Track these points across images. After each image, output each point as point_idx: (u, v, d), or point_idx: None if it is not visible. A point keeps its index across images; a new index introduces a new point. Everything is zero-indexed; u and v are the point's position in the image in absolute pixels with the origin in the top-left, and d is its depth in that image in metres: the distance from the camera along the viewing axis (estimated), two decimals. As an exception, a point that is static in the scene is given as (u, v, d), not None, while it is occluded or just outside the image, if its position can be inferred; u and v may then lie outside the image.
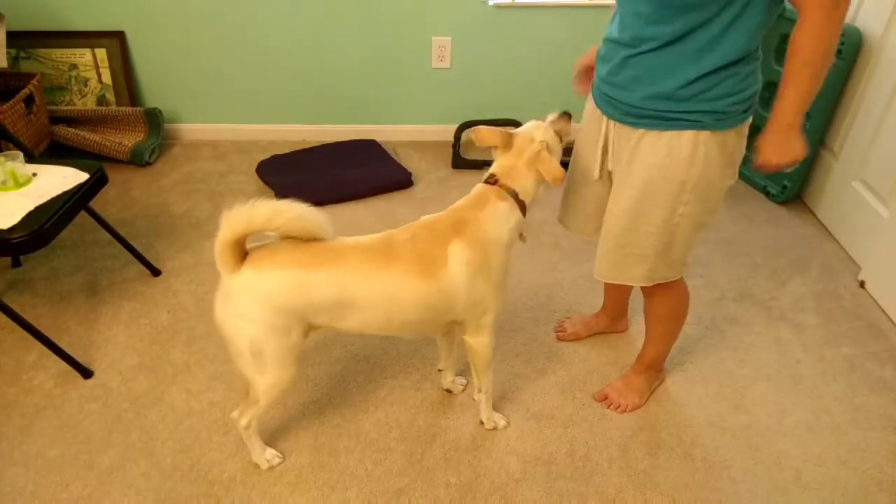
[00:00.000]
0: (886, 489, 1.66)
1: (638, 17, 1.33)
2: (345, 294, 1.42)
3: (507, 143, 1.56)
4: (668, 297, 1.69)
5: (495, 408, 1.83)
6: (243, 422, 1.57)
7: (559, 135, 1.61)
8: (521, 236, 1.61)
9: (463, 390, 1.89)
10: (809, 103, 1.29)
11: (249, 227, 1.35)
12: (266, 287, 1.39)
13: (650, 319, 1.78)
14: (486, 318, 1.57)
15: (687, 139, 1.37)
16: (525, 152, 1.54)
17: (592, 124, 1.57)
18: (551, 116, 1.63)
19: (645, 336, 1.83)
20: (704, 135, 1.36)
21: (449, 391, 1.89)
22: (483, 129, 1.57)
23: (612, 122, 1.49)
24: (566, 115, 1.63)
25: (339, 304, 1.43)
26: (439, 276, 1.46)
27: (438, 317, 1.54)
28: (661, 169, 1.41)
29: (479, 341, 1.61)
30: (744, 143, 1.44)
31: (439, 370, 1.91)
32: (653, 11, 1.29)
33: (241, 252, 1.39)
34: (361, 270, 1.43)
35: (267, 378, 1.46)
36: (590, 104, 1.60)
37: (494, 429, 1.78)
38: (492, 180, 1.56)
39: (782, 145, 1.32)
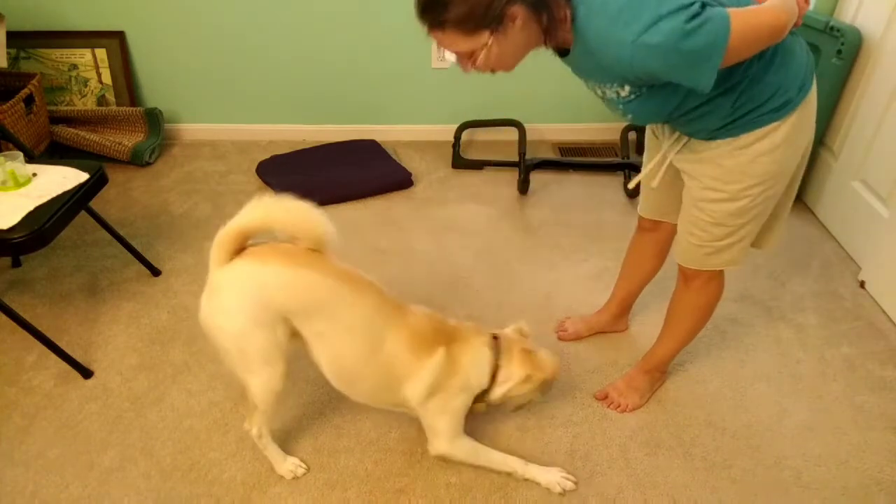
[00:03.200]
0: (886, 489, 1.66)
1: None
2: (333, 307, 1.41)
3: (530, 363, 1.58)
4: (708, 287, 1.66)
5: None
6: (254, 430, 1.57)
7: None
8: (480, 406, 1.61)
9: None
10: None
11: (260, 223, 1.36)
12: (255, 276, 1.38)
13: (679, 310, 1.75)
14: (437, 425, 1.57)
15: (757, 136, 1.36)
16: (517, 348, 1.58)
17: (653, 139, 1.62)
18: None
19: (662, 332, 1.81)
20: (774, 125, 1.35)
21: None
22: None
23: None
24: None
25: (320, 311, 1.41)
26: (421, 360, 1.48)
27: (390, 392, 1.53)
28: (741, 166, 1.40)
29: (434, 447, 1.60)
30: (814, 105, 1.41)
31: None
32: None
33: (240, 248, 1.39)
34: (368, 302, 1.45)
35: (256, 378, 1.45)
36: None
37: (562, 494, 1.63)
38: (496, 338, 1.58)
39: None
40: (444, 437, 1.59)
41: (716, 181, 1.44)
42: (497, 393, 1.57)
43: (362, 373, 1.50)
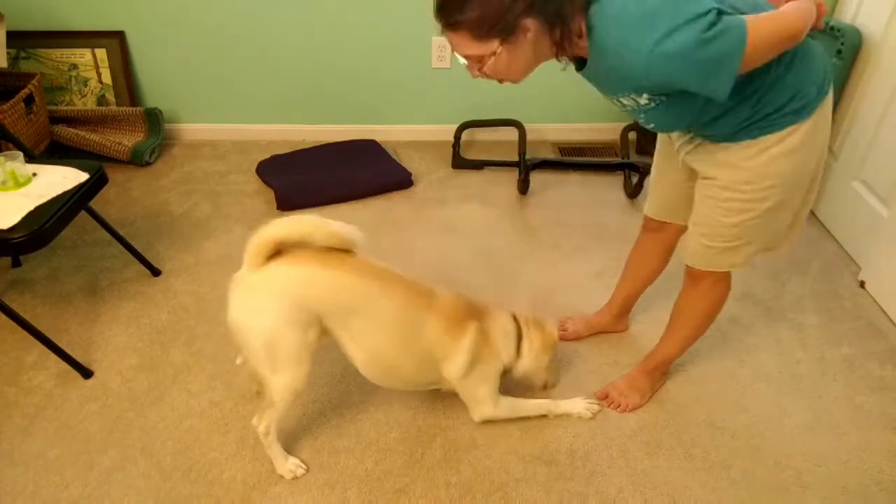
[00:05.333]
0: (886, 489, 1.66)
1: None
2: (366, 306, 1.47)
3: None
4: (715, 288, 1.66)
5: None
6: (262, 427, 1.57)
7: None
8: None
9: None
10: None
11: (291, 237, 1.43)
12: (291, 278, 1.42)
13: (685, 312, 1.74)
14: (478, 395, 1.68)
15: (776, 139, 1.36)
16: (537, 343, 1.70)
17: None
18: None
19: (666, 333, 1.81)
20: (792, 128, 1.35)
21: None
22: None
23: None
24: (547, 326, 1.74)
25: (354, 312, 1.47)
26: (456, 338, 1.57)
27: (428, 374, 1.63)
28: (757, 168, 1.40)
29: (478, 414, 1.72)
30: (830, 107, 1.41)
31: None
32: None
33: (275, 252, 1.43)
34: (399, 295, 1.52)
35: (281, 377, 1.47)
36: None
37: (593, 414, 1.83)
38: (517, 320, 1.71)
39: None
40: (488, 402, 1.70)
41: (731, 181, 1.43)
42: (525, 363, 1.71)
43: (400, 363, 1.59)
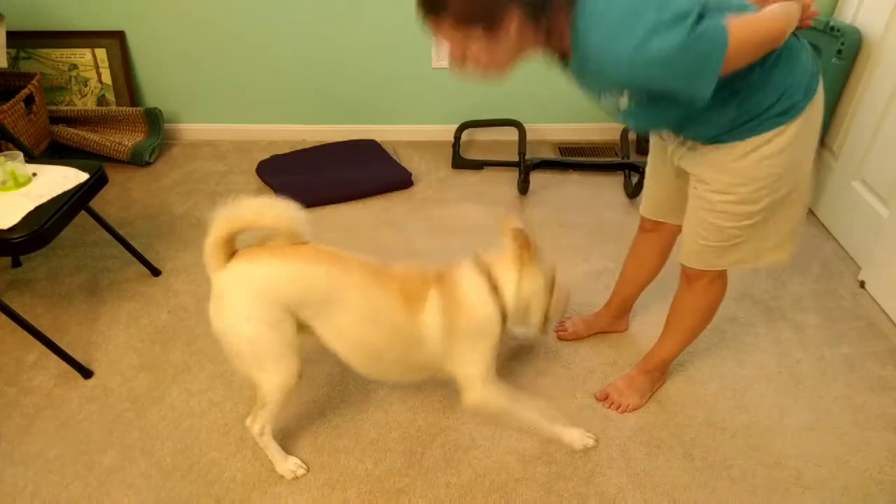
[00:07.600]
0: (886, 489, 1.66)
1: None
2: (336, 293, 1.43)
3: (526, 250, 1.52)
4: (711, 288, 1.66)
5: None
6: (256, 428, 1.57)
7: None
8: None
9: None
10: None
11: (238, 223, 1.39)
12: (255, 276, 1.41)
13: (682, 312, 1.75)
14: (468, 371, 1.56)
15: (763, 140, 1.36)
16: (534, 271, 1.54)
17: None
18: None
19: (664, 333, 1.81)
20: (779, 129, 1.35)
21: None
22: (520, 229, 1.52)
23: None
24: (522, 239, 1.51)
25: (327, 301, 1.44)
26: (416, 312, 1.48)
27: (413, 356, 1.53)
28: (746, 169, 1.40)
29: (469, 397, 1.59)
30: (821, 107, 1.41)
31: None
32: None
33: (230, 252, 1.43)
34: (357, 276, 1.46)
35: (268, 375, 1.47)
36: None
37: (585, 448, 1.72)
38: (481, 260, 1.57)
39: None
40: (477, 380, 1.56)
41: (722, 183, 1.43)
42: (509, 300, 1.52)
43: (381, 349, 1.52)
